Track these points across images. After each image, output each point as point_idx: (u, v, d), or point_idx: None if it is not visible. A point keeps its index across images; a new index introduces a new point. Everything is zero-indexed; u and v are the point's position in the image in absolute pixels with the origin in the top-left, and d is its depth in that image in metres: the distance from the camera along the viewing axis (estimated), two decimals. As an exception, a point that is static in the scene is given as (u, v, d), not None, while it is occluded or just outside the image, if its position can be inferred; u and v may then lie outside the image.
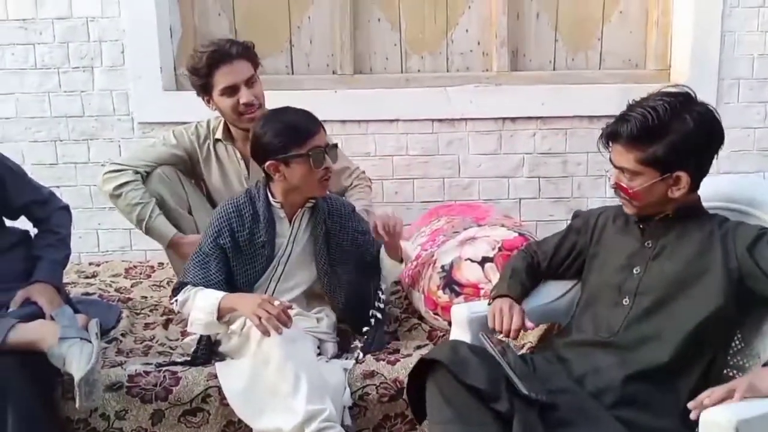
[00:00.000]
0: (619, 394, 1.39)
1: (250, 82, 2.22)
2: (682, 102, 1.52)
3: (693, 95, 1.55)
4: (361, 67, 3.11)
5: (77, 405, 1.61)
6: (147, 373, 1.85)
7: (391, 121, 2.98)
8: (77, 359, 1.61)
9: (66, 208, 2.15)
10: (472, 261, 2.01)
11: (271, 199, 1.92)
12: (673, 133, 1.48)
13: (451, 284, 2.01)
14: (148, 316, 2.40)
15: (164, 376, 1.84)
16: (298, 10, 3.06)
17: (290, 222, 1.95)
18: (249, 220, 1.91)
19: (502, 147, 3.02)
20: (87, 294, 2.55)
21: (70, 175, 2.97)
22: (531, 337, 1.84)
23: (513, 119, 3.00)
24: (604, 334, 1.51)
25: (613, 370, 1.43)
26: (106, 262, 2.91)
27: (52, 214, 2.07)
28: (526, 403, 1.31)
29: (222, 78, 2.20)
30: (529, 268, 1.76)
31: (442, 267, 2.06)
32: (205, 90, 2.25)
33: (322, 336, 1.97)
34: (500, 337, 1.56)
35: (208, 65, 2.20)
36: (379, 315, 1.99)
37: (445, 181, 3.04)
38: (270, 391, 1.69)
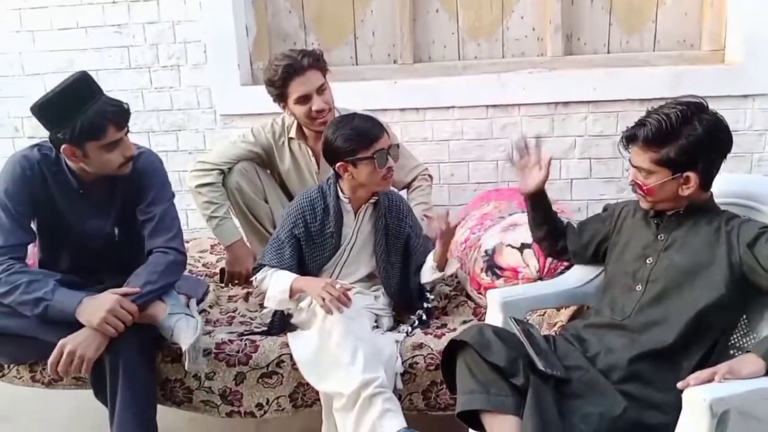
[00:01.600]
0: (626, 371, 1.60)
1: (321, 90, 2.45)
2: (693, 111, 1.68)
3: (704, 105, 1.71)
4: (420, 55, 3.31)
5: (186, 367, 1.96)
6: (231, 341, 2.18)
7: (447, 108, 3.18)
8: (184, 331, 1.96)
9: (181, 261, 2.15)
10: (512, 247, 2.22)
11: (340, 194, 2.19)
12: (684, 138, 1.65)
13: (492, 267, 2.23)
14: (231, 289, 2.73)
15: (245, 344, 2.16)
16: (361, 5, 3.28)
17: (355, 215, 2.22)
18: (320, 213, 2.19)
19: (554, 130, 3.17)
20: (180, 269, 2.93)
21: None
22: (562, 316, 2.05)
23: (565, 104, 3.14)
24: (618, 317, 1.72)
25: (622, 350, 1.64)
26: (195, 239, 3.28)
27: (156, 251, 2.10)
28: (541, 377, 1.54)
29: (296, 88, 2.42)
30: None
31: (486, 251, 2.28)
32: (281, 98, 2.48)
33: (379, 312, 2.25)
34: (530, 319, 1.79)
35: (283, 78, 2.41)
36: (423, 315, 2.23)
37: (498, 163, 3.22)
38: (332, 360, 1.98)
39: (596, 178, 3.22)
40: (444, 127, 3.20)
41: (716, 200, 1.78)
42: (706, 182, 1.71)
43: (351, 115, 2.20)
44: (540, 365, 1.55)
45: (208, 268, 2.96)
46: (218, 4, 3.12)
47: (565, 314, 2.06)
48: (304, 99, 2.43)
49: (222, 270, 2.70)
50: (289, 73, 2.41)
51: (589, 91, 3.12)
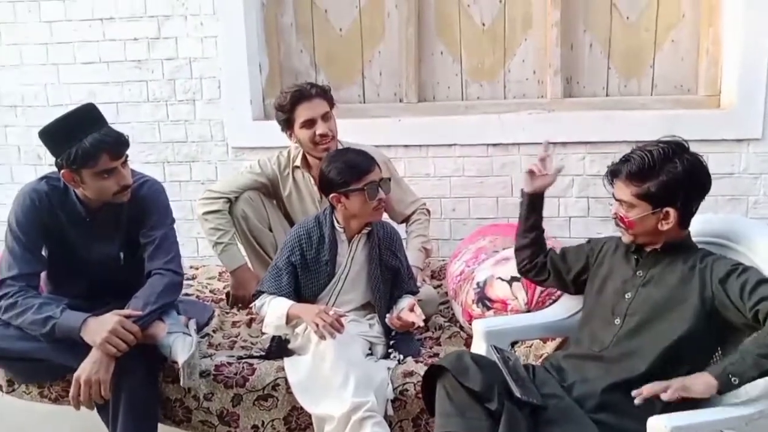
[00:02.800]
0: (599, 400, 1.67)
1: (325, 117, 2.60)
2: (675, 149, 1.78)
3: (686, 145, 1.81)
4: (425, 95, 3.45)
5: (181, 383, 2.05)
6: (230, 363, 2.28)
7: (449, 145, 3.30)
8: (181, 348, 2.06)
9: (177, 282, 2.26)
10: (502, 279, 2.30)
11: (335, 224, 2.30)
12: (664, 174, 1.75)
13: (483, 299, 2.31)
14: (235, 315, 2.84)
15: (243, 367, 2.25)
16: (369, 47, 3.43)
17: (349, 244, 2.32)
18: (316, 241, 2.30)
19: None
20: (187, 294, 3.04)
21: (175, 192, 3.49)
22: (548, 348, 2.13)
23: (564, 144, 3.23)
24: (596, 348, 1.79)
25: (597, 380, 1.71)
26: (204, 266, 3.40)
27: (154, 274, 2.21)
28: (518, 404, 1.61)
29: (302, 112, 2.58)
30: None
31: (477, 283, 2.37)
32: (287, 124, 2.64)
33: (373, 339, 2.33)
34: (517, 351, 1.87)
35: (291, 102, 2.59)
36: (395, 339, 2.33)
37: (498, 200, 3.32)
38: (325, 384, 2.06)
39: (594, 217, 3.30)
40: (446, 164, 3.32)
41: (693, 238, 1.87)
42: (684, 219, 1.80)
43: (345, 149, 2.33)
44: (517, 392, 1.63)
45: (215, 294, 3.07)
46: (233, 43, 3.29)
47: (551, 346, 2.13)
48: (310, 123, 2.57)
49: (228, 293, 2.81)
50: (297, 98, 2.58)
51: (587, 133, 3.22)
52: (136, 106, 3.42)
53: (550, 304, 2.20)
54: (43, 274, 2.30)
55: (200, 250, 3.55)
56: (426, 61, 3.41)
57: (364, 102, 3.49)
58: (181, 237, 3.49)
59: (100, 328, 2.02)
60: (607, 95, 3.34)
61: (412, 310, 2.19)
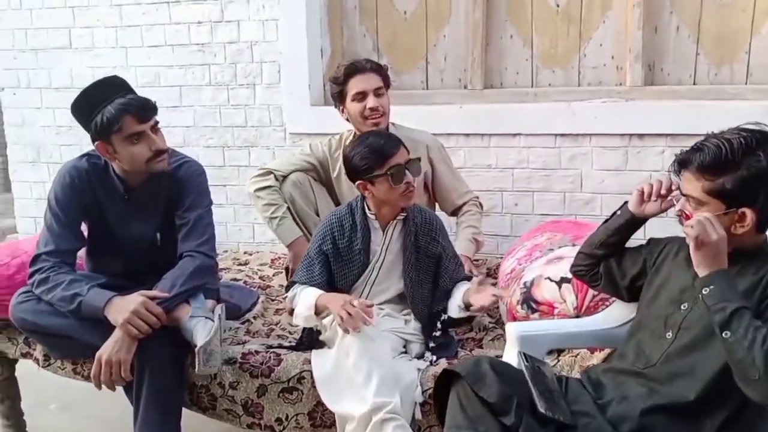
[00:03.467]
0: (637, 423, 1.44)
1: (377, 92, 2.53)
2: (759, 140, 1.51)
3: None
4: (491, 82, 3.25)
5: (196, 369, 1.99)
6: (257, 352, 2.19)
7: (513, 135, 3.08)
8: (200, 333, 2.00)
9: (208, 265, 2.20)
10: (551, 280, 2.08)
11: (367, 211, 2.17)
12: (744, 169, 1.48)
13: (528, 300, 2.11)
14: (280, 303, 2.77)
15: (270, 357, 2.16)
16: (434, 30, 3.27)
17: (383, 232, 2.18)
18: (348, 230, 2.18)
19: (627, 163, 2.99)
20: (235, 279, 3.01)
21: (234, 176, 3.48)
22: (595, 359, 1.90)
23: (640, 136, 2.95)
24: (641, 364, 1.56)
25: (637, 399, 1.48)
26: (258, 252, 3.36)
27: (186, 255, 2.17)
28: (541, 420, 1.42)
29: (354, 85, 2.53)
30: None
31: (524, 283, 2.16)
32: (340, 97, 2.59)
33: (408, 336, 2.18)
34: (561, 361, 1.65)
35: (345, 74, 2.55)
36: (435, 339, 2.13)
37: (566, 195, 3.08)
38: (347, 381, 1.94)
39: (672, 217, 2.97)
40: (509, 155, 3.11)
41: (772, 245, 1.60)
42: (762, 223, 1.53)
43: (368, 133, 2.21)
44: (541, 407, 1.44)
45: (264, 280, 3.02)
46: (293, 26, 3.22)
47: (599, 357, 1.91)
48: (361, 96, 2.52)
49: (286, 268, 2.76)
50: (351, 70, 2.54)
51: (668, 124, 2.92)
52: (198, 90, 3.42)
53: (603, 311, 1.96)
54: (83, 252, 2.32)
55: (256, 236, 3.51)
56: (494, 46, 3.21)
57: (427, 88, 3.33)
58: (239, 222, 3.53)
59: (123, 308, 1.99)
60: (694, 83, 3.02)
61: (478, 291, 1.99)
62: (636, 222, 1.78)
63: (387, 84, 2.60)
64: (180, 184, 2.23)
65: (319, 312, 2.10)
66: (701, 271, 1.47)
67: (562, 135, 3.03)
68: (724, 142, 1.51)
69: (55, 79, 3.56)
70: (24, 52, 3.55)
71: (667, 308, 1.60)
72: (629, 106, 2.98)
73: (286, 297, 2.28)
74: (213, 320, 2.05)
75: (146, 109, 2.11)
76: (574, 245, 2.31)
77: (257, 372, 2.15)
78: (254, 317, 2.60)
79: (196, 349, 1.96)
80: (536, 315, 2.08)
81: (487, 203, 3.16)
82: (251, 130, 3.41)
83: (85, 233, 2.29)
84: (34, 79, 3.63)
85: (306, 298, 2.12)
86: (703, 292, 1.44)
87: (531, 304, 2.10)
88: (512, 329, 1.78)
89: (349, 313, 1.93)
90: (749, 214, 1.49)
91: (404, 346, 2.18)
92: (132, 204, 2.22)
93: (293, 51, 3.25)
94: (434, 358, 2.11)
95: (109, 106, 2.04)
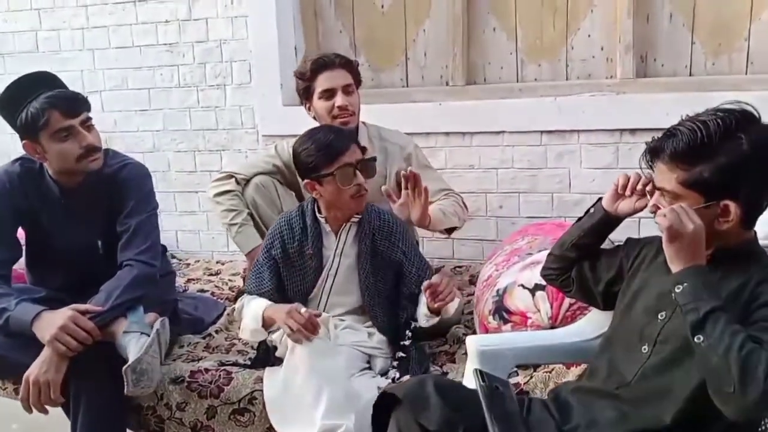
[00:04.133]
0: (605, 454, 1.25)
1: (347, 90, 2.36)
2: (740, 120, 1.31)
3: (755, 114, 1.33)
4: (474, 77, 3.06)
5: (125, 390, 1.80)
6: (207, 370, 2.02)
7: (497, 133, 2.89)
8: (132, 349, 1.82)
9: (148, 274, 2.01)
10: (524, 287, 1.89)
11: (317, 213, 1.99)
12: (724, 155, 1.29)
13: (500, 310, 1.91)
14: (247, 315, 2.60)
15: (220, 375, 1.99)
16: (414, 24, 3.09)
17: (336, 236, 2.00)
18: (299, 233, 2.00)
19: (619, 160, 2.78)
20: (202, 291, 2.84)
21: (206, 182, 3.24)
22: (571, 376, 1.70)
23: (632, 131, 2.75)
24: (613, 384, 1.36)
25: (608, 426, 1.28)
26: (232, 261, 3.19)
27: (125, 265, 2.01)
28: (493, 449, 1.23)
29: (322, 82, 2.36)
30: None
31: (497, 291, 1.97)
32: (306, 94, 2.42)
33: (372, 351, 1.99)
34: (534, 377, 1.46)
35: (312, 70, 2.37)
36: (403, 351, 1.94)
37: (553, 196, 2.87)
38: (296, 401, 1.76)
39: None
40: (492, 154, 2.91)
41: (762, 242, 1.39)
42: (748, 217, 1.33)
43: (318, 127, 2.04)
44: (493, 433, 1.24)
45: (233, 291, 2.83)
46: (263, 23, 3.06)
47: (575, 373, 1.70)
48: (329, 94, 2.36)
49: (244, 278, 2.59)
50: (319, 65, 2.38)
51: (663, 118, 2.61)
52: (167, 92, 3.26)
53: (581, 321, 1.76)
54: (25, 264, 2.16)
55: (231, 245, 3.32)
56: (476, 40, 3.02)
57: (407, 86, 3.14)
58: (212, 230, 3.36)
59: (51, 323, 1.82)
60: (690, 74, 2.81)
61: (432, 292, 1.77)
62: (610, 221, 1.58)
63: (357, 81, 2.43)
64: (121, 188, 2.06)
65: (267, 325, 1.92)
66: (675, 267, 1.28)
67: (548, 132, 2.84)
68: (699, 125, 1.32)
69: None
70: (-10, 57, 3.42)
71: (642, 318, 1.40)
72: (620, 99, 2.77)
73: (232, 309, 2.10)
74: (149, 335, 1.87)
75: (75, 102, 1.96)
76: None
77: (206, 392, 1.98)
78: (217, 331, 2.43)
79: (124, 369, 1.77)
80: (508, 326, 1.89)
81: (471, 206, 2.95)
82: (222, 133, 3.24)
83: (23, 242, 2.12)
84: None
85: (253, 309, 1.94)
86: (676, 290, 1.25)
87: (503, 314, 1.91)
88: (472, 343, 1.58)
89: (296, 321, 1.75)
90: (732, 207, 1.30)
91: (368, 362, 2.00)
92: (69, 209, 2.06)
93: (264, 49, 3.08)
94: (398, 374, 1.91)
95: (34, 102, 1.89)
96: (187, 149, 3.29)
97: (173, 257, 3.32)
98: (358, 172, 1.87)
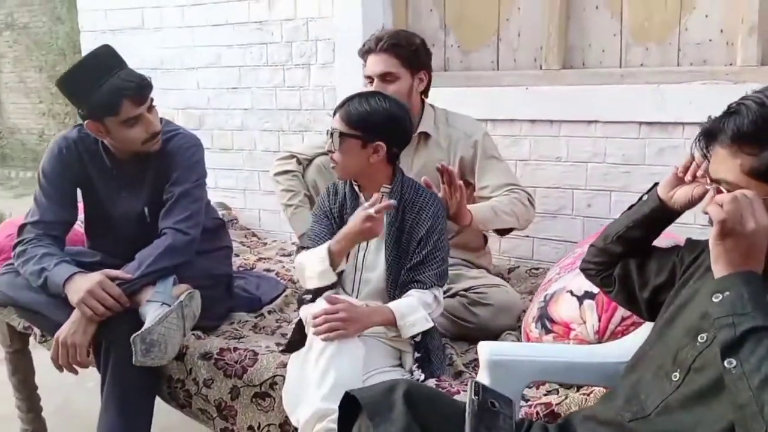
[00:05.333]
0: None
1: (385, 78, 2.19)
2: None
3: None
4: (572, 61, 2.77)
5: (134, 360, 1.77)
6: (236, 349, 1.96)
7: (588, 122, 2.59)
8: (148, 319, 1.80)
9: (182, 243, 1.97)
10: (573, 294, 1.65)
11: (353, 181, 1.89)
12: None
13: (543, 318, 1.68)
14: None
15: (246, 355, 1.92)
16: (508, 2, 2.85)
17: None
18: (341, 197, 1.90)
19: (730, 160, 2.39)
20: (268, 270, 2.81)
21: (288, 163, 3.27)
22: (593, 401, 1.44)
23: (749, 125, 2.35)
24: (630, 413, 1.11)
25: (610, 466, 1.04)
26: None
27: (162, 233, 1.99)
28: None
29: (366, 67, 2.26)
30: None
31: (545, 296, 1.74)
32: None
33: (400, 345, 1.83)
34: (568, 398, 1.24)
35: (362, 54, 2.28)
36: (416, 349, 1.77)
37: (649, 196, 2.54)
38: (305, 382, 1.63)
39: None
40: (582, 146, 2.62)
41: None
42: None
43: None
44: (469, 456, 1.05)
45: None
46: (349, 1, 2.96)
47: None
48: (370, 81, 2.24)
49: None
50: (365, 50, 2.27)
51: None
52: (256, 70, 3.26)
53: (632, 338, 1.49)
54: (84, 229, 2.22)
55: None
56: (576, 19, 2.73)
57: (498, 69, 2.92)
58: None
59: (81, 286, 1.84)
60: (831, 62, 2.36)
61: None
62: (665, 213, 1.31)
63: (411, 65, 2.22)
64: (169, 158, 2.05)
65: (334, 262, 1.77)
66: (719, 270, 1.02)
67: (649, 123, 2.50)
68: None
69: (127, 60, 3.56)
70: (103, 33, 3.60)
71: (680, 339, 1.14)
72: (737, 89, 2.31)
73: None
74: (169, 305, 1.83)
75: (143, 89, 1.94)
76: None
77: (231, 371, 1.92)
78: (270, 311, 2.38)
79: (132, 336, 1.74)
80: (550, 337, 1.66)
81: (555, 203, 2.71)
82: (305, 114, 3.19)
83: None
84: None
85: (317, 253, 1.80)
86: (714, 299, 0.99)
87: (545, 323, 1.68)
88: (484, 351, 1.37)
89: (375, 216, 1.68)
90: None
91: (399, 358, 1.84)
92: (120, 177, 2.08)
93: (348, 27, 2.98)
94: (422, 376, 1.74)
95: (104, 88, 1.87)
96: (272, 129, 3.28)
97: (254, 235, 3.34)
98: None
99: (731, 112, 1.09)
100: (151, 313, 1.81)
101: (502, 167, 2.28)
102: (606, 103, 2.57)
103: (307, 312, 1.79)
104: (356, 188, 1.88)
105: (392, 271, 1.82)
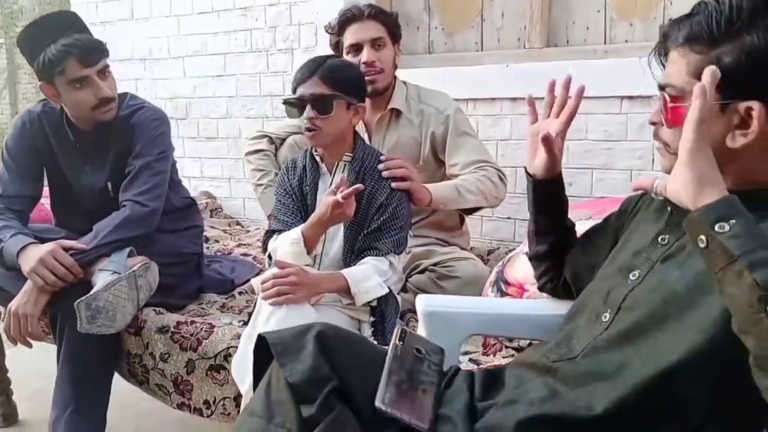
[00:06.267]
0: (508, 441, 0.93)
1: (376, 44, 2.16)
2: None
3: None
4: (556, 39, 2.71)
5: (78, 327, 1.72)
6: (193, 322, 1.91)
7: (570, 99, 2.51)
8: (97, 287, 1.76)
9: (141, 215, 1.93)
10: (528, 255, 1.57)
11: (314, 152, 1.83)
12: (754, 34, 0.91)
13: (499, 281, 1.61)
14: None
15: (202, 328, 1.87)
16: (492, -19, 2.81)
17: (331, 175, 1.83)
18: (300, 170, 1.86)
19: (715, 134, 2.30)
20: (246, 255, 2.76)
21: (273, 150, 3.24)
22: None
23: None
24: (555, 356, 1.03)
25: (526, 406, 0.96)
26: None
27: (122, 206, 1.96)
28: (375, 419, 0.97)
29: (349, 35, 2.19)
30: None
31: (503, 262, 1.67)
32: (336, 48, 2.27)
33: (360, 316, 1.77)
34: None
35: (340, 23, 2.23)
36: (372, 313, 1.71)
37: (632, 173, 2.45)
38: (251, 347, 1.58)
39: None
40: (563, 123, 2.54)
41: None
42: None
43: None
44: (379, 398, 0.98)
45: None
46: (330, -18, 2.93)
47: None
48: (356, 49, 2.17)
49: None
50: (348, 18, 2.20)
51: None
52: (241, 57, 3.24)
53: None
54: (50, 205, 2.20)
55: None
56: (560, -4, 2.68)
57: (482, 49, 2.86)
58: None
59: (32, 256, 1.81)
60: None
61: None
62: (545, 187, 1.29)
63: (393, 35, 2.21)
64: (132, 131, 2.01)
65: (308, 244, 1.72)
66: (695, 195, 0.87)
67: (630, 98, 2.43)
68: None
69: (119, 51, 3.57)
70: (94, 25, 3.61)
71: (613, 278, 1.06)
72: None
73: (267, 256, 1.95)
74: (119, 274, 1.79)
75: (93, 51, 1.91)
76: (589, 219, 1.77)
77: (187, 344, 1.87)
78: (240, 293, 2.33)
79: (76, 302, 1.70)
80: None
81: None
82: (289, 100, 3.15)
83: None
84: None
85: (290, 235, 1.75)
86: (717, 229, 0.82)
87: (501, 285, 1.61)
88: (421, 303, 1.30)
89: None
90: (757, 111, 0.91)
91: (359, 329, 1.78)
92: (82, 151, 2.05)
93: (330, 11, 2.92)
94: (377, 342, 1.67)
95: (53, 46, 1.85)
96: (257, 116, 3.25)
97: (238, 224, 3.31)
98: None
99: (690, 13, 1.00)
100: (100, 280, 1.76)
101: (473, 144, 2.21)
102: (587, 79, 2.47)
103: (257, 279, 1.74)
104: (317, 159, 1.83)
105: (349, 238, 1.77)
